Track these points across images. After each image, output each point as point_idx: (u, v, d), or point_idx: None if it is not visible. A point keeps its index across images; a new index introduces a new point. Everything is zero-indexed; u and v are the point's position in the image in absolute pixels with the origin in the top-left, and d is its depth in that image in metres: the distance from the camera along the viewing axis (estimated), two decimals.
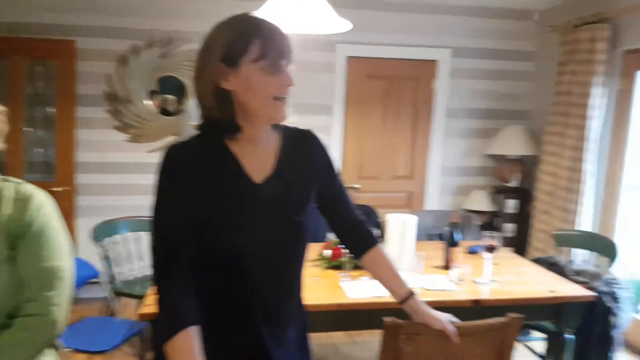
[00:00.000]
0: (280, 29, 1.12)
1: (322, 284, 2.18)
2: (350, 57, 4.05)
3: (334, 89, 4.06)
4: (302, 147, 1.27)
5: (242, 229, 1.14)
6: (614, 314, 2.36)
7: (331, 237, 2.61)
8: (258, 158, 1.19)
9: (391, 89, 4.17)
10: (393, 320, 1.39)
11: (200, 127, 1.18)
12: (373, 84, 4.14)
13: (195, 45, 3.65)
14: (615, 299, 2.40)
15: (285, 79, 1.11)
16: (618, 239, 3.23)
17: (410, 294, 1.39)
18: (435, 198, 4.32)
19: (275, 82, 1.10)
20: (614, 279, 2.48)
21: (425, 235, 3.21)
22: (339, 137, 4.12)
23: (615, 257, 2.65)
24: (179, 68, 3.81)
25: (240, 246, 1.15)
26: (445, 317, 1.43)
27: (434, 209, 4.20)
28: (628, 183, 3.43)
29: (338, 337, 3.30)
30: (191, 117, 3.85)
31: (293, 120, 1.23)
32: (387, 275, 1.40)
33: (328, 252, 2.44)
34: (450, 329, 1.40)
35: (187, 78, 3.81)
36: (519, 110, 4.34)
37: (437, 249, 2.67)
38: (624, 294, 2.43)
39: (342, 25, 2.25)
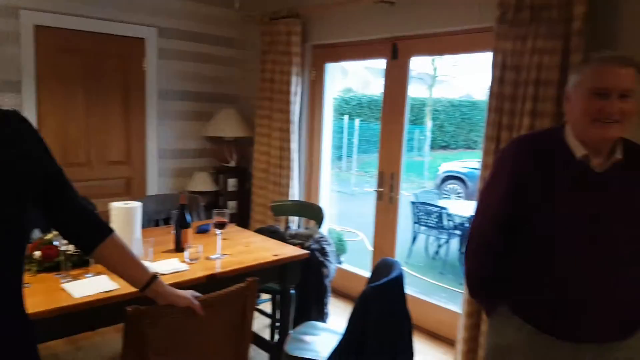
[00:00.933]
0: None
1: (36, 290, 1.84)
2: (38, 26, 3.48)
3: (20, 62, 3.43)
4: (6, 132, 1.04)
5: None
6: (325, 266, 2.81)
7: (37, 235, 2.23)
8: None
9: (95, 66, 3.79)
10: (136, 308, 1.30)
11: None
12: (71, 59, 3.67)
13: None
14: (324, 253, 2.84)
15: None
16: (321, 203, 3.85)
17: (153, 278, 1.33)
18: (155, 182, 4.20)
19: None
20: (322, 237, 2.93)
21: (150, 221, 3.09)
22: (32, 118, 3.50)
23: (322, 219, 3.12)
24: None
25: None
26: (189, 294, 1.42)
27: (155, 193, 4.08)
28: (325, 156, 4.09)
29: (58, 347, 2.87)
30: None
31: None
32: (127, 264, 1.30)
33: (39, 253, 2.08)
34: (196, 303, 1.41)
35: None
36: (231, 94, 4.59)
37: (165, 233, 2.61)
38: (330, 249, 2.91)
39: None
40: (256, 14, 4.08)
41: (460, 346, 2.85)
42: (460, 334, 2.87)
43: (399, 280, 2.15)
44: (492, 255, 1.50)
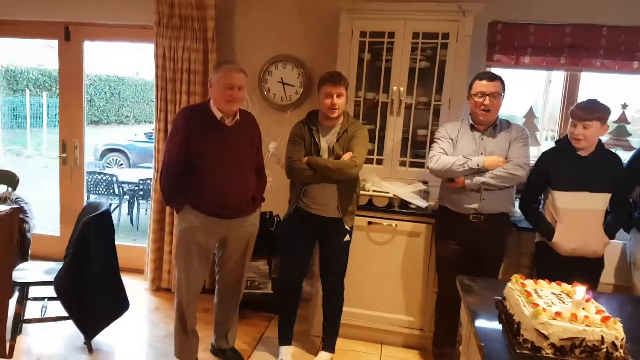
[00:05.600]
0: None
1: None
2: None
3: None
4: None
5: None
6: (26, 222, 3.20)
7: None
8: None
9: None
10: None
11: None
12: None
13: None
14: (23, 211, 3.22)
15: None
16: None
17: None
18: None
19: None
20: (18, 198, 3.28)
21: None
22: None
23: (17, 183, 3.40)
24: None
25: None
26: None
27: None
28: None
29: None
30: None
31: None
32: None
33: None
34: None
35: None
36: None
37: None
38: (28, 207, 3.29)
39: None
40: None
41: (148, 266, 3.79)
42: (147, 258, 3.80)
43: (108, 213, 2.91)
44: (176, 179, 2.50)
